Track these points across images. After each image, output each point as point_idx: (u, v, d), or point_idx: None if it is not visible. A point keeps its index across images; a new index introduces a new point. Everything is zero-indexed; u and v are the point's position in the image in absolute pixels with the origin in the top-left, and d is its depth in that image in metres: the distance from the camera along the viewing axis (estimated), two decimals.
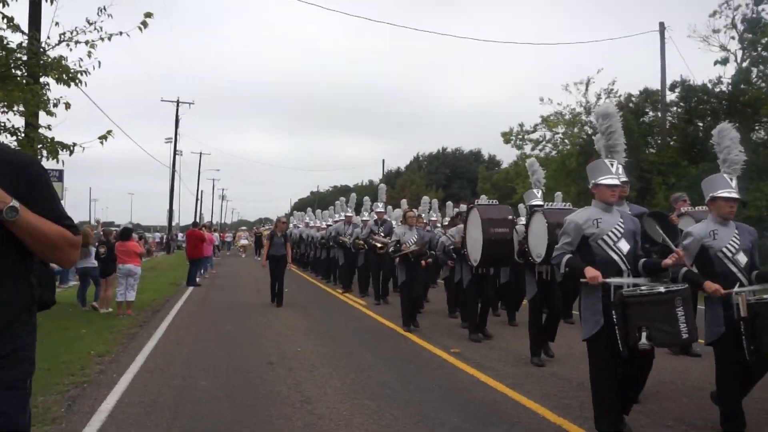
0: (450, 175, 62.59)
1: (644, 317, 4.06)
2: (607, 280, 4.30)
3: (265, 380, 6.41)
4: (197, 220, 30.87)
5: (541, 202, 7.51)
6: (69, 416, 5.23)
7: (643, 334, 4.02)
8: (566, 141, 26.92)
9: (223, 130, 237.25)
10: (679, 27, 71.25)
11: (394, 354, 7.92)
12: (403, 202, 16.21)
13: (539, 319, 7.30)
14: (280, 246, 12.74)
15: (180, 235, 49.64)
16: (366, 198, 16.68)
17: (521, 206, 11.73)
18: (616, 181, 4.61)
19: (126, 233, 12.14)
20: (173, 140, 44.33)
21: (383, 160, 55.40)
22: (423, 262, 10.15)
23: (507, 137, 28.84)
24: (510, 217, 8.11)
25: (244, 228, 54.02)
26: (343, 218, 16.37)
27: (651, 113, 25.66)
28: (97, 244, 12.42)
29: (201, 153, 60.29)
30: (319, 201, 68.59)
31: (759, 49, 22.54)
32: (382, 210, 13.85)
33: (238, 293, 15.82)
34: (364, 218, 14.76)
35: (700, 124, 23.13)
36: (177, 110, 43.81)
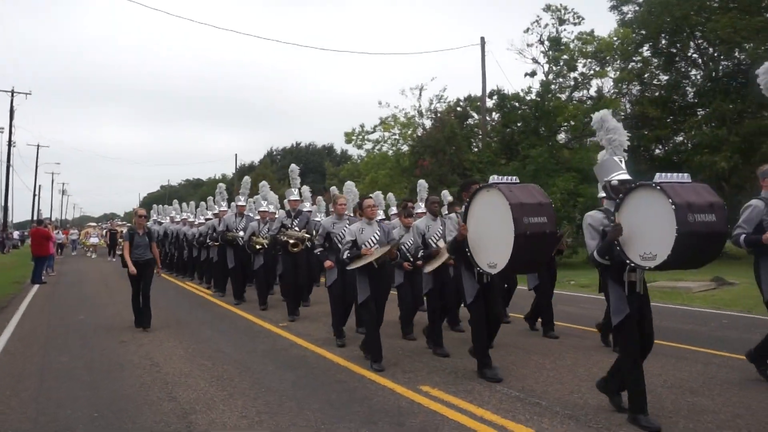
0: (303, 169, 64.17)
1: None
2: None
3: (119, 353, 7.73)
4: (36, 216, 29.82)
5: (628, 177, 4.87)
6: None
7: None
8: (401, 141, 29.63)
9: (65, 121, 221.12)
10: (501, 40, 79.04)
11: (230, 329, 9.48)
12: (334, 188, 14.17)
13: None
14: (143, 248, 9.55)
15: (16, 233, 47.04)
16: (244, 179, 14.22)
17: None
18: None
19: None
20: (8, 132, 42.13)
21: (236, 155, 55.83)
22: (405, 265, 8.09)
23: (349, 137, 31.12)
24: (548, 200, 5.65)
25: (93, 224, 48.64)
26: (221, 210, 14.27)
27: (476, 116, 28.91)
28: None
29: (39, 145, 57.11)
30: (170, 195, 67.31)
31: (561, 64, 26.32)
32: (297, 198, 11.10)
33: (87, 288, 16.43)
34: (263, 209, 12.02)
35: (514, 128, 26.56)
36: (12, 100, 41.69)
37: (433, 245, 7.35)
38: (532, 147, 23.99)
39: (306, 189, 13.88)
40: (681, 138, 24.85)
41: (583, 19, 26.35)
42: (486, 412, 5.09)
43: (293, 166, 12.23)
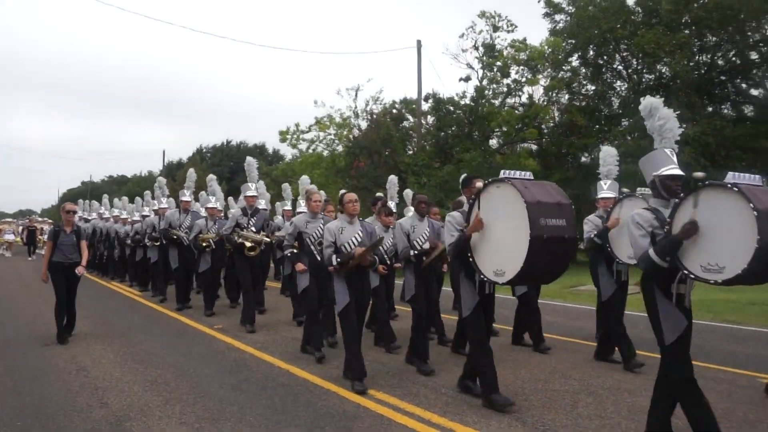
0: (234, 167, 62.99)
1: None
2: None
3: (43, 357, 7.29)
4: None
5: (680, 171, 4.27)
6: None
7: None
8: (336, 141, 29.50)
9: None
10: (436, 44, 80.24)
11: (163, 331, 9.11)
12: (286, 185, 13.64)
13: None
14: (71, 247, 8.31)
15: None
16: (189, 171, 13.04)
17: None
18: None
19: None
20: None
21: (164, 151, 54.18)
22: (380, 269, 7.29)
23: (284, 136, 30.72)
24: (568, 201, 4.93)
25: (9, 220, 44.71)
26: (165, 207, 12.94)
27: (411, 119, 29.08)
28: None
29: None
30: (92, 192, 64.69)
31: (494, 70, 26.84)
32: (255, 194, 9.97)
33: (4, 288, 15.46)
34: (211, 205, 11.13)
35: (449, 131, 26.86)
36: None
37: (419, 247, 6.97)
38: (465, 151, 24.33)
39: (262, 185, 12.91)
40: (607, 146, 25.82)
41: (516, 27, 26.93)
42: (433, 415, 5.07)
43: (250, 158, 10.96)
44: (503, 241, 4.85)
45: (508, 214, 4.79)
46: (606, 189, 7.35)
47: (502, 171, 4.98)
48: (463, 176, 6.42)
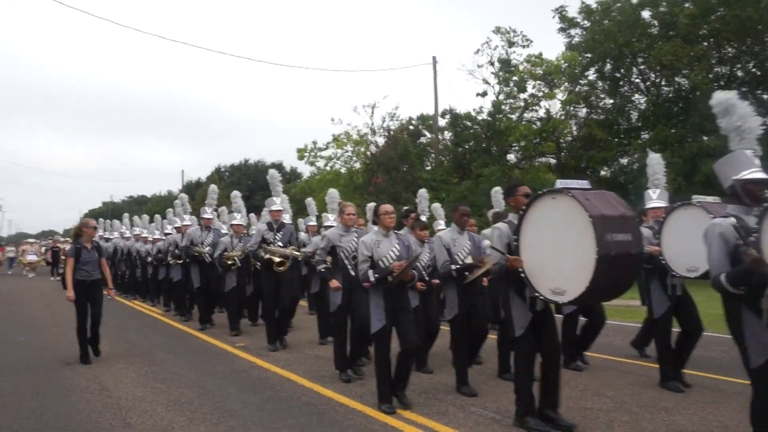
0: (252, 186, 63.42)
1: None
2: None
3: (65, 377, 7.25)
4: None
5: (765, 175, 3.98)
6: None
7: None
8: (354, 158, 29.63)
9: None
10: (452, 60, 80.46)
11: (186, 350, 9.05)
12: (310, 200, 13.48)
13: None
14: (93, 265, 8.12)
15: None
16: (211, 187, 12.76)
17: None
18: None
19: None
20: None
21: (182, 171, 54.67)
22: (418, 285, 6.60)
23: (302, 153, 30.94)
24: (632, 212, 4.67)
25: (31, 240, 43.85)
26: (188, 224, 12.78)
27: (428, 135, 29.10)
28: None
29: None
30: (113, 212, 65.34)
31: (511, 85, 26.79)
32: (280, 208, 9.45)
33: (27, 308, 15.52)
34: (236, 222, 10.96)
35: (466, 146, 26.82)
36: None
37: (460, 261, 6.41)
38: (484, 166, 24.25)
39: (286, 198, 12.90)
40: (627, 160, 25.55)
41: (531, 42, 26.95)
42: None
43: (273, 171, 10.46)
44: (562, 259, 4.43)
45: (568, 228, 4.37)
46: (656, 198, 6.84)
47: (557, 181, 4.60)
48: (497, 187, 6.01)
